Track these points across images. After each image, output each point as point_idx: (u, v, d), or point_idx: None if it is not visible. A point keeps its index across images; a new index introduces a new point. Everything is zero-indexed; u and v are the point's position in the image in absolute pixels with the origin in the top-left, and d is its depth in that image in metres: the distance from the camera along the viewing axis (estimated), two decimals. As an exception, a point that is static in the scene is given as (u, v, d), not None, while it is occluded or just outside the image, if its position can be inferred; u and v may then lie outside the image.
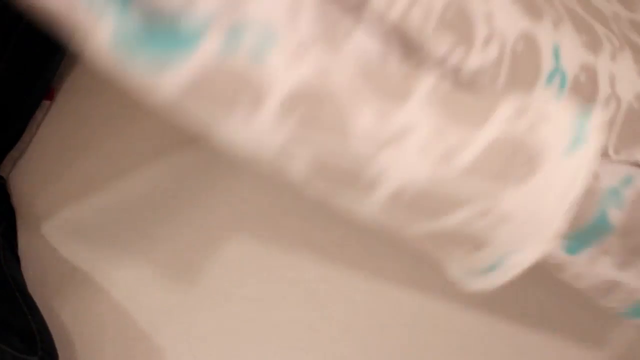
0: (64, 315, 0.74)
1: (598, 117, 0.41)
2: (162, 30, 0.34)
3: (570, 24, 0.48)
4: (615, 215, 0.47)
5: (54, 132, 0.85)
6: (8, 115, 0.79)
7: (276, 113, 0.36)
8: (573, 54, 0.47)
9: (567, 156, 0.40)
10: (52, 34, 0.77)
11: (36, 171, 0.83)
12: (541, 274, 0.47)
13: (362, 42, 0.38)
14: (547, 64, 0.45)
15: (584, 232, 0.47)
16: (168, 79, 0.35)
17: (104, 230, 0.80)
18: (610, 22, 0.53)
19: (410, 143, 0.38)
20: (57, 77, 0.85)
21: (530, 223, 0.40)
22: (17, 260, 0.76)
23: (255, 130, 0.37)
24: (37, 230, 0.79)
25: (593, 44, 0.49)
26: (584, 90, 0.47)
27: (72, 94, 0.87)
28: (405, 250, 0.47)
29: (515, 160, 0.40)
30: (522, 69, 0.44)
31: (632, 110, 0.49)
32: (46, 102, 0.85)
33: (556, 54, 0.46)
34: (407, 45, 0.40)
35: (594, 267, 0.49)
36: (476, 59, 0.42)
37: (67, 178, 0.82)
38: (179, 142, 0.82)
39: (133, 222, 0.80)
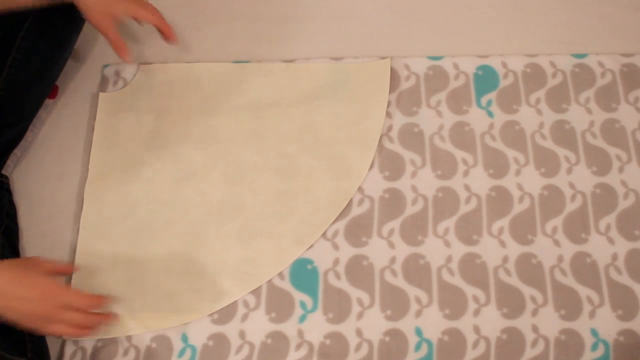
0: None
1: None
2: None
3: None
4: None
5: (56, 131, 0.85)
6: (13, 114, 0.79)
7: None
8: None
9: None
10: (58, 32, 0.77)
11: (38, 170, 0.83)
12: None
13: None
14: None
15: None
16: None
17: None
18: None
19: None
20: (62, 76, 0.85)
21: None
22: (18, 259, 0.76)
23: None
24: (38, 229, 0.80)
25: None
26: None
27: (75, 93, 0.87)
28: None
29: None
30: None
31: None
32: (49, 101, 0.85)
33: None
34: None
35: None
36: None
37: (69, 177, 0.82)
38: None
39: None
